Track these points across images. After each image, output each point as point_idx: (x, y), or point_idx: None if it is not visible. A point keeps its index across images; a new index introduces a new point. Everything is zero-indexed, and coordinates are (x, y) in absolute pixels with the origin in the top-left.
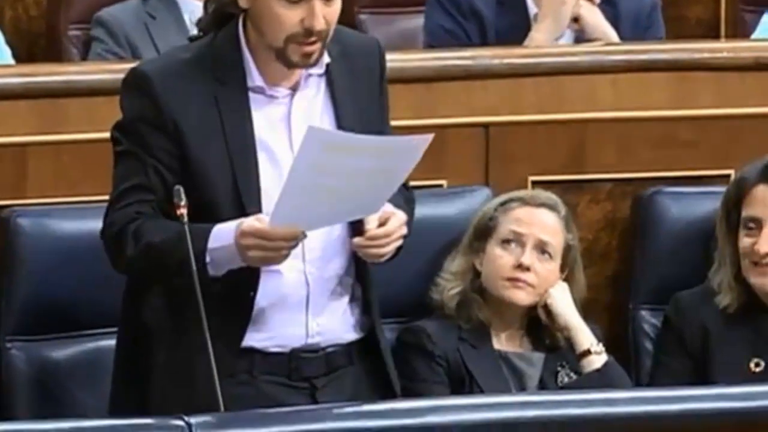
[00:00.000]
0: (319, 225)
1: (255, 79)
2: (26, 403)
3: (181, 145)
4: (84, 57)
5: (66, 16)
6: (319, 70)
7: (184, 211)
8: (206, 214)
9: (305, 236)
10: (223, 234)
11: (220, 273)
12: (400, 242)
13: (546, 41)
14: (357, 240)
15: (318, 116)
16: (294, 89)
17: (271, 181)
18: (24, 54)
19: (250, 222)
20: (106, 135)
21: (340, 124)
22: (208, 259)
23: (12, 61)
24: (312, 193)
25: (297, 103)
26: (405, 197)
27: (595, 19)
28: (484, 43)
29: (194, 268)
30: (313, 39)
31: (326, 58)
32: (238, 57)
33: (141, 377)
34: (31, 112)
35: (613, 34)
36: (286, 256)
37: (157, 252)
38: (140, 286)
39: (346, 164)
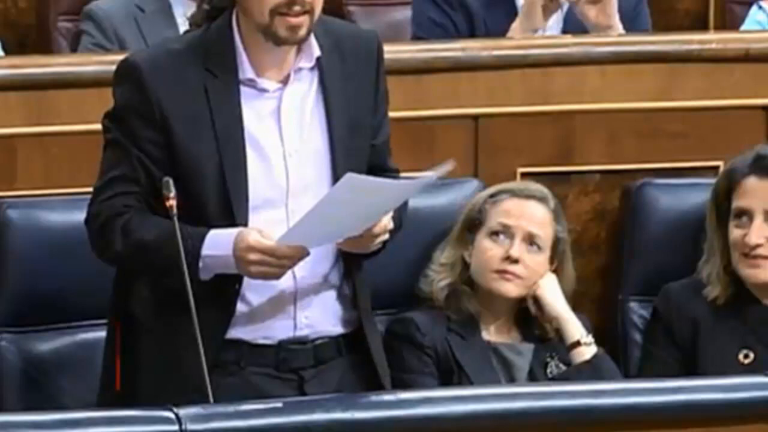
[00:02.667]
0: (321, 242)
1: (246, 71)
2: (15, 395)
3: (168, 136)
4: (74, 49)
5: (55, 8)
6: (309, 63)
7: (173, 203)
8: (193, 206)
9: (308, 254)
10: (219, 242)
11: (209, 277)
12: (385, 237)
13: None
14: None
15: (308, 112)
16: (284, 83)
17: (258, 176)
18: (13, 46)
19: (255, 237)
20: (95, 127)
21: (330, 120)
22: (200, 264)
23: (1, 53)
24: (327, 222)
25: (287, 98)
26: None
27: (600, 20)
28: (472, 35)
29: (185, 270)
30: (297, 9)
31: (317, 51)
32: (230, 47)
33: (131, 367)
34: (20, 104)
35: (619, 26)
36: (284, 273)
37: (147, 251)
38: (130, 277)
39: (368, 201)
